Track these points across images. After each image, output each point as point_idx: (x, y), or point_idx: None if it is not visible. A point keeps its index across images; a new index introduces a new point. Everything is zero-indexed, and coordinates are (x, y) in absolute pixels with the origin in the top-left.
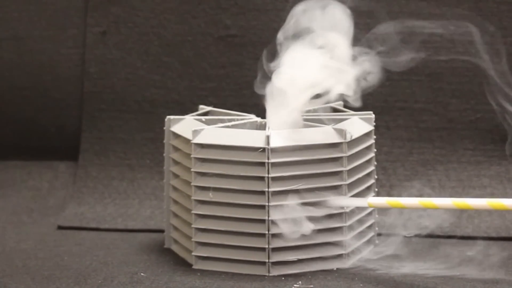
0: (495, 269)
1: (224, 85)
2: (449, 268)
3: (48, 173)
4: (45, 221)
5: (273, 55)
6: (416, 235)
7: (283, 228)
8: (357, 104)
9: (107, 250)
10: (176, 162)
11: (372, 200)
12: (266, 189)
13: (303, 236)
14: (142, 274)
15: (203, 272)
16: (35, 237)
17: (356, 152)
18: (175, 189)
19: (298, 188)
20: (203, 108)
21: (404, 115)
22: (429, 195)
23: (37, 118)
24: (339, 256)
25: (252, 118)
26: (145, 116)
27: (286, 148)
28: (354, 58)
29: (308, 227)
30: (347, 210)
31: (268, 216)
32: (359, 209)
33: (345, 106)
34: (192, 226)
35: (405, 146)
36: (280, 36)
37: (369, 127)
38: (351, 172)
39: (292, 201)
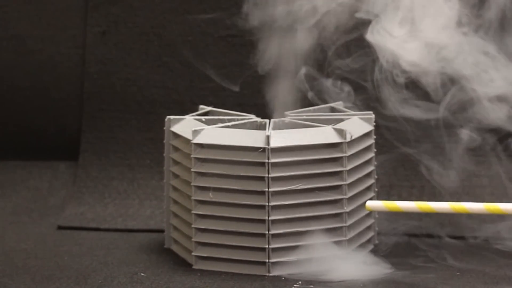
0: (494, 269)
1: (224, 85)
2: (449, 268)
3: (48, 173)
4: (45, 221)
5: None
6: (417, 235)
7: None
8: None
9: (107, 250)
10: (176, 162)
11: (370, 204)
12: (266, 189)
13: (303, 235)
14: (142, 274)
15: (203, 272)
16: (35, 237)
17: (356, 152)
18: (175, 189)
19: (298, 188)
20: (203, 108)
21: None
22: (429, 195)
23: (37, 118)
24: (339, 256)
25: (252, 118)
26: (145, 116)
27: (286, 148)
28: None
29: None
30: (347, 210)
31: (268, 216)
32: (359, 209)
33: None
34: (192, 226)
35: (405, 146)
36: None
37: (369, 127)
38: (351, 172)
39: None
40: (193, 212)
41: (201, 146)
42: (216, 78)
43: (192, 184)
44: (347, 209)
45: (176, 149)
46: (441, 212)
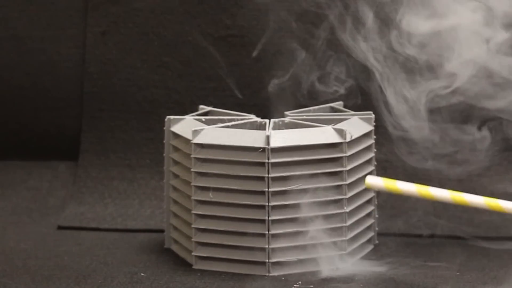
0: (495, 269)
1: (224, 85)
2: (449, 268)
3: (48, 173)
4: (45, 221)
5: None
6: (417, 235)
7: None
8: None
9: (107, 250)
10: (176, 162)
11: (370, 180)
12: (266, 189)
13: (303, 235)
14: (142, 274)
15: (203, 272)
16: (35, 237)
17: (356, 152)
18: (175, 189)
19: (298, 188)
20: (203, 108)
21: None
22: None
23: (37, 118)
24: (339, 256)
25: (252, 118)
26: (145, 116)
27: (286, 148)
28: None
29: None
30: (347, 210)
31: (268, 216)
32: (359, 209)
33: (345, 106)
34: (192, 226)
35: (405, 146)
36: None
37: (369, 127)
38: (351, 172)
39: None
40: (193, 212)
41: (201, 146)
42: (216, 78)
43: (192, 184)
44: (347, 209)
45: (176, 149)
46: (440, 200)
